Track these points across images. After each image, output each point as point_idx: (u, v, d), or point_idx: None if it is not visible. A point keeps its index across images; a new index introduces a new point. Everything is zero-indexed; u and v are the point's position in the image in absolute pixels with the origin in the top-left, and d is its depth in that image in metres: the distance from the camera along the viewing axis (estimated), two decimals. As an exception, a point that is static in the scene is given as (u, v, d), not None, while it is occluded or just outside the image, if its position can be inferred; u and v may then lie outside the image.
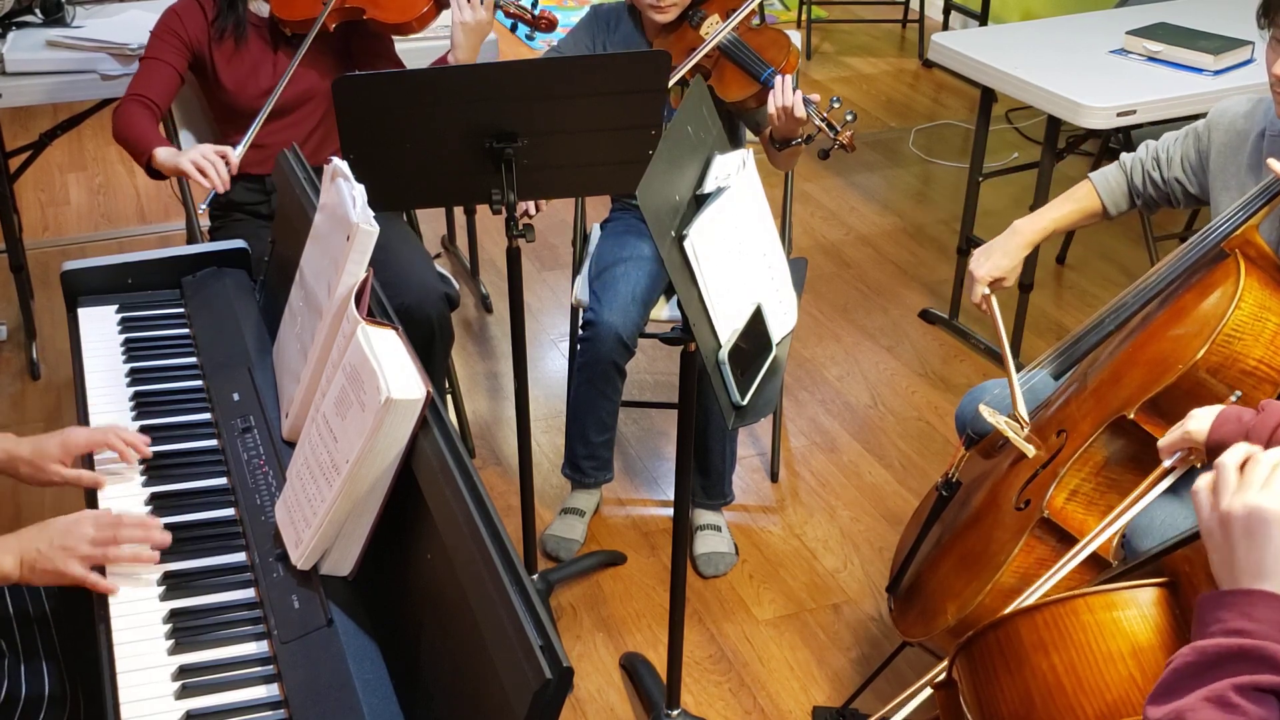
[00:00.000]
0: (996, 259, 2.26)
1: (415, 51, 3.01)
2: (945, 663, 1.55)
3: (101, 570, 1.58)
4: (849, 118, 2.45)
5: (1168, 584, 1.38)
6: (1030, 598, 1.65)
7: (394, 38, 2.87)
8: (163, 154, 2.57)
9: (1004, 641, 1.40)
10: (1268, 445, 1.49)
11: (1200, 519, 1.25)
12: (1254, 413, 1.61)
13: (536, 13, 2.69)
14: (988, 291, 2.26)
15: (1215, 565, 1.23)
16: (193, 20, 2.71)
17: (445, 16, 2.77)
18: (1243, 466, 1.24)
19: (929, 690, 1.59)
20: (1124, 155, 2.34)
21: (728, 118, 2.65)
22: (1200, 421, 1.64)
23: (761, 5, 2.65)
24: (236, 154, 2.56)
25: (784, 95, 2.48)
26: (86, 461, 1.78)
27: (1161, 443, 1.70)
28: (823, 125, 2.46)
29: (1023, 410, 2.09)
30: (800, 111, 2.46)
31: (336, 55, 2.79)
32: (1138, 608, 1.36)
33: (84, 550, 1.57)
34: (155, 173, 2.62)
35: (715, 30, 2.63)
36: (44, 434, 1.76)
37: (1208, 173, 2.19)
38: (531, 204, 2.66)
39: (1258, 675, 1.11)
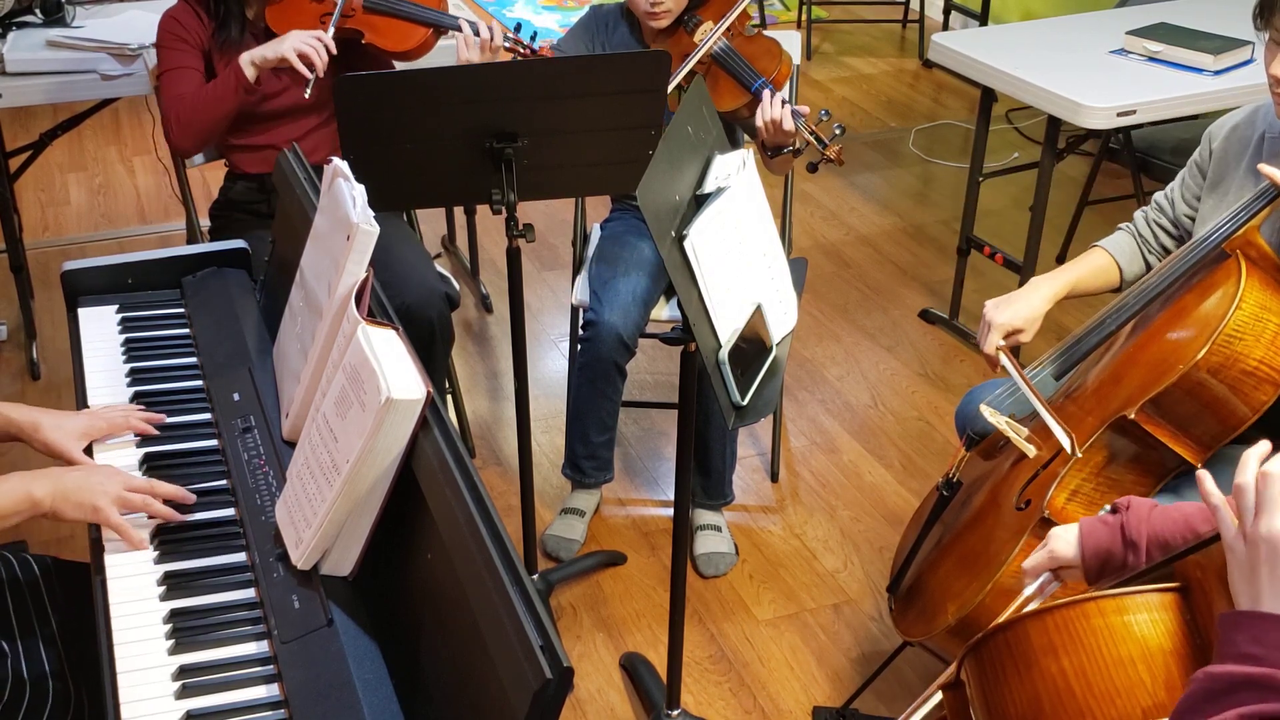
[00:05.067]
0: (1016, 307, 2.15)
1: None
2: (953, 667, 1.55)
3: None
4: (837, 131, 2.44)
5: (1179, 589, 1.37)
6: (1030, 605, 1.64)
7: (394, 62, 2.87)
8: (253, 54, 2.57)
9: (1013, 644, 1.40)
10: (1149, 532, 1.51)
11: (1225, 537, 1.25)
12: (1110, 513, 1.59)
13: (536, 47, 2.70)
14: (1003, 343, 2.13)
15: (1234, 582, 1.22)
16: (191, 24, 2.70)
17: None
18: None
19: (938, 695, 1.58)
20: (1124, 224, 2.33)
21: (723, 121, 2.65)
22: (1064, 541, 1.60)
23: (762, 7, 2.65)
24: (330, 36, 2.57)
25: (772, 109, 2.47)
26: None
27: (1026, 564, 1.66)
28: (811, 139, 2.45)
29: (1053, 425, 2.01)
30: (789, 125, 2.46)
31: (336, 68, 2.78)
32: (1149, 612, 1.35)
33: (119, 494, 1.61)
34: (248, 89, 2.61)
35: (706, 36, 2.62)
36: (68, 414, 1.78)
37: (1208, 183, 2.18)
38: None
39: (1264, 704, 1.11)
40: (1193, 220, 2.22)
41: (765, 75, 2.55)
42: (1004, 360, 2.11)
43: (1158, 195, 2.28)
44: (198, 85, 2.66)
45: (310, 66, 2.54)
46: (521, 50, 2.70)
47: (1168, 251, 2.26)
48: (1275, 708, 1.11)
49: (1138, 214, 2.31)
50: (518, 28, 2.74)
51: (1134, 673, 1.32)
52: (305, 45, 2.53)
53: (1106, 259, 2.28)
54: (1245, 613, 1.19)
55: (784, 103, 2.47)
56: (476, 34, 2.67)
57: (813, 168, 2.47)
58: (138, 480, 1.65)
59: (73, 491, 1.59)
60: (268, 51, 2.56)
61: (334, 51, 2.56)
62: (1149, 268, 2.28)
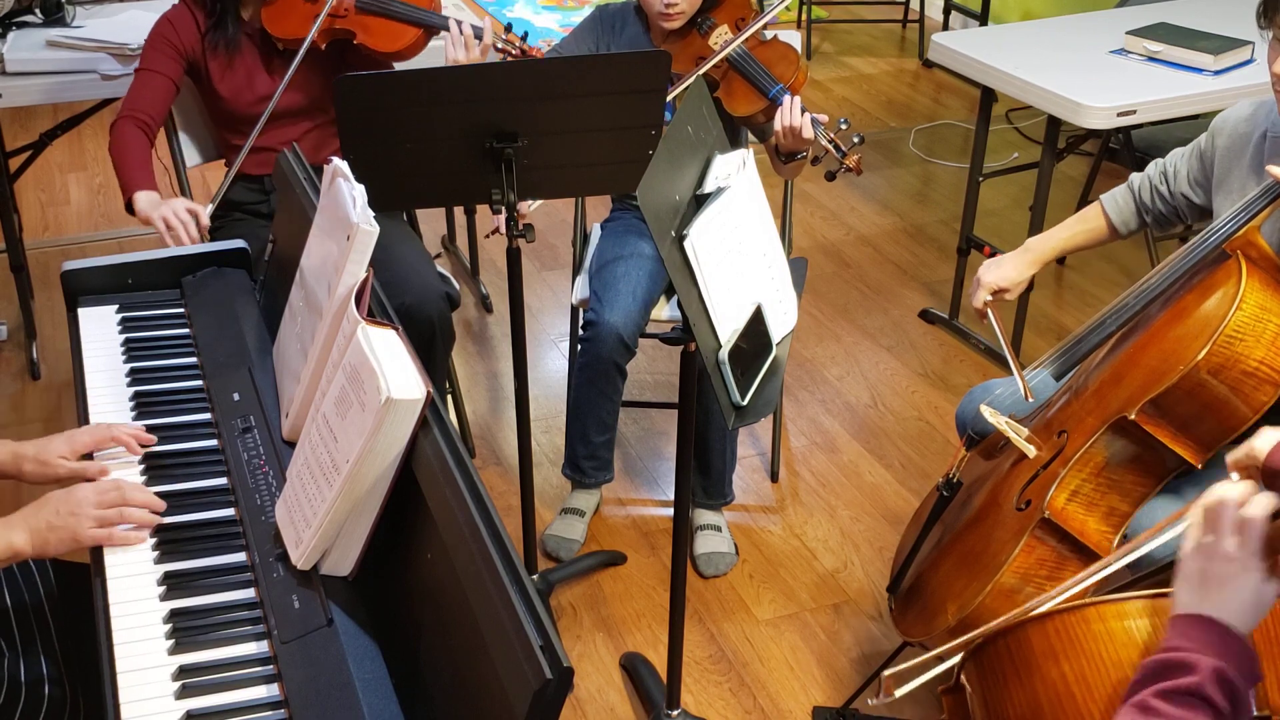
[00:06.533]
0: (1005, 269, 2.32)
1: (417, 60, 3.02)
2: (951, 660, 1.55)
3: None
4: (856, 140, 2.44)
5: None
6: (1041, 608, 1.64)
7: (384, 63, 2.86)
8: (143, 201, 2.54)
9: (1014, 648, 1.40)
10: None
11: (1185, 547, 1.33)
12: None
13: (530, 45, 2.69)
14: (990, 298, 2.31)
15: (1179, 589, 1.31)
16: (186, 29, 2.71)
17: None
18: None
19: (934, 675, 1.59)
20: (1133, 175, 2.35)
21: (729, 122, 2.64)
22: (1265, 441, 1.56)
23: (762, 7, 2.65)
24: (207, 212, 2.54)
25: (792, 116, 2.47)
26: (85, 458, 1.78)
27: (1230, 457, 1.64)
28: (830, 147, 2.45)
29: (1016, 379, 2.16)
30: (808, 133, 2.46)
31: (332, 69, 2.78)
32: (1149, 618, 1.36)
33: (95, 514, 1.59)
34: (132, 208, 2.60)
35: (724, 43, 2.61)
36: (49, 438, 1.76)
37: (1211, 179, 2.18)
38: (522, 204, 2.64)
39: (1178, 680, 1.22)
40: (1188, 201, 2.25)
41: (783, 81, 2.55)
42: (989, 315, 2.32)
43: (1164, 164, 2.30)
44: (156, 103, 2.68)
45: (174, 236, 2.46)
46: (512, 51, 2.69)
47: (1163, 216, 2.31)
48: (1187, 681, 1.22)
49: (1146, 175, 2.33)
50: (508, 27, 2.73)
51: (1134, 677, 1.33)
52: (174, 216, 2.46)
53: (1099, 215, 2.36)
54: (1176, 615, 1.29)
55: (804, 110, 2.47)
56: (462, 33, 2.66)
57: (830, 176, 2.46)
58: (108, 494, 1.62)
59: (48, 530, 1.58)
60: (144, 209, 2.52)
61: (205, 229, 2.51)
62: (1144, 225, 2.34)
